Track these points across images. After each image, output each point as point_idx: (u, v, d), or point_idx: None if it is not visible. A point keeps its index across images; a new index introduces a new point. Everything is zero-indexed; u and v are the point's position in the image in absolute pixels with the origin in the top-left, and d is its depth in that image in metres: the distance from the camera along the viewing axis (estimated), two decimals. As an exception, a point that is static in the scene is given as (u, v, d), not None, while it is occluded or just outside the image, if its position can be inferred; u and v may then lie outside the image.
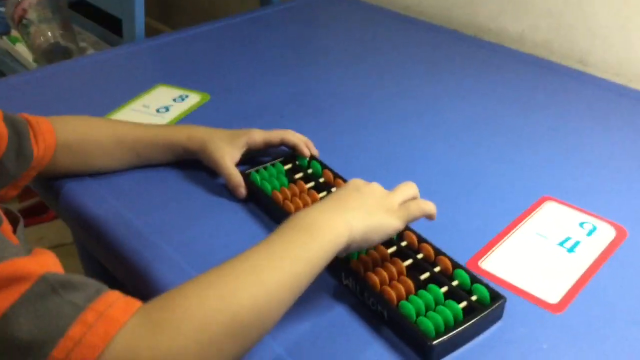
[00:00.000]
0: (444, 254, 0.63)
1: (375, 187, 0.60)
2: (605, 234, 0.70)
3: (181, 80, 1.06)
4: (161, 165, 0.81)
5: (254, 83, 1.06)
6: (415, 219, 0.60)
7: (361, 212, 0.56)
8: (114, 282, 0.73)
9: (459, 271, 0.61)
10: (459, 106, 0.98)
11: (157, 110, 0.95)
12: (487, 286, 0.59)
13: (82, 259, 1.18)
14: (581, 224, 0.71)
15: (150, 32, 1.31)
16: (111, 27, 1.64)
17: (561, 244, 0.68)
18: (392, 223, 0.57)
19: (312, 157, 0.79)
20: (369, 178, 0.65)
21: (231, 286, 0.49)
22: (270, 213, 0.73)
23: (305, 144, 0.79)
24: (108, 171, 0.79)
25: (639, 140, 0.88)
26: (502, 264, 0.66)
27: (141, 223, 0.72)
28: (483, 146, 0.87)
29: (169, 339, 0.44)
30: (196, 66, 1.12)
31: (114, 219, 0.73)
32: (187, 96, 0.99)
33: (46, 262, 0.46)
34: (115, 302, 0.45)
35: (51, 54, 1.38)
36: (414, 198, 0.61)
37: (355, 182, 0.61)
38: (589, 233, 0.70)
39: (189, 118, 0.94)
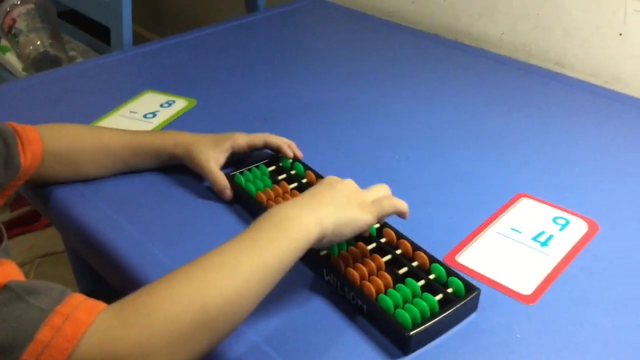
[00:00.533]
0: (422, 249, 0.65)
1: (349, 183, 0.63)
2: (578, 228, 0.72)
3: (169, 86, 1.08)
4: (148, 170, 0.83)
5: (240, 88, 1.08)
6: (387, 215, 0.62)
7: (332, 206, 0.58)
8: (107, 289, 0.75)
9: (436, 265, 0.63)
10: (440, 108, 1.00)
11: (145, 116, 0.97)
12: (462, 279, 0.61)
13: (74, 266, 1.20)
14: (555, 219, 0.74)
15: (139, 40, 1.33)
16: (100, 35, 1.66)
17: (535, 238, 0.71)
18: (363, 217, 0.59)
19: (295, 159, 0.81)
20: (351, 178, 0.67)
21: (200, 279, 0.50)
22: (255, 214, 0.74)
23: (289, 146, 0.82)
24: (96, 178, 0.81)
25: (612, 139, 0.91)
26: (478, 258, 0.68)
27: (131, 227, 0.74)
28: (462, 146, 0.90)
29: (138, 332, 0.46)
30: (183, 72, 1.14)
31: (105, 223, 0.75)
32: (173, 102, 1.02)
33: (8, 272, 0.47)
34: (80, 304, 0.47)
35: (40, 63, 1.40)
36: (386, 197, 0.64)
37: (330, 179, 0.63)
38: (562, 228, 0.72)
39: (176, 123, 0.96)
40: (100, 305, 0.47)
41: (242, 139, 0.80)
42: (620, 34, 1.01)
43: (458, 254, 0.68)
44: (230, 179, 0.77)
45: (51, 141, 0.77)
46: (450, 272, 0.62)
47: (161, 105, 1.00)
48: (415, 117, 0.98)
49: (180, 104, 1.01)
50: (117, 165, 0.81)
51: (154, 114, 0.98)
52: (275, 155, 0.82)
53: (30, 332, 0.43)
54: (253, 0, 1.47)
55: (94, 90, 1.09)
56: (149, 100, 1.03)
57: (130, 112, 0.99)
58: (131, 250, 0.71)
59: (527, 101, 1.02)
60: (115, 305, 0.48)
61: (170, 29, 2.16)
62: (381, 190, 0.64)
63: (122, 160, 0.81)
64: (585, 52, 1.07)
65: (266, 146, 0.82)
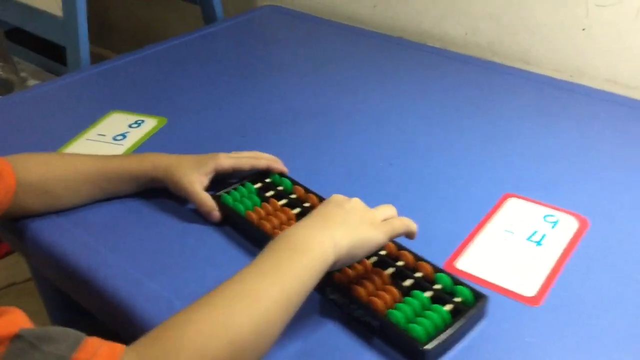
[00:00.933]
0: (424, 260, 0.64)
1: (357, 203, 0.61)
2: (569, 225, 0.73)
3: (135, 105, 1.04)
4: (126, 196, 0.79)
5: (210, 103, 1.05)
6: (398, 235, 0.62)
7: (345, 227, 0.57)
8: (83, 317, 0.71)
9: (440, 275, 0.62)
10: (413, 113, 1.00)
11: (114, 138, 0.93)
12: (469, 287, 0.61)
13: (44, 296, 1.14)
14: (545, 217, 0.74)
15: (91, 57, 1.28)
16: (49, 54, 1.59)
17: (529, 238, 0.71)
18: (375, 237, 0.58)
19: (281, 174, 0.79)
20: (337, 190, 0.66)
21: (226, 310, 0.49)
22: (246, 234, 0.72)
23: (274, 162, 0.80)
24: (73, 207, 0.77)
25: (587, 133, 0.92)
26: (476, 263, 0.68)
27: (115, 255, 0.71)
28: (442, 150, 0.90)
29: None
30: (148, 90, 1.10)
31: (87, 254, 0.71)
32: (142, 121, 0.98)
33: (16, 320, 0.44)
34: (99, 349, 0.44)
35: (-9, 87, 1.33)
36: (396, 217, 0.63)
37: (336, 198, 0.62)
38: (553, 226, 0.73)
39: (148, 144, 0.92)
40: (119, 347, 0.44)
41: (227, 162, 0.77)
42: (584, 29, 1.03)
43: (456, 260, 0.68)
44: (217, 199, 0.75)
45: (23, 172, 0.73)
46: (456, 281, 0.61)
47: (130, 126, 0.97)
48: (391, 122, 0.97)
49: (150, 123, 0.97)
50: (93, 193, 0.77)
51: (123, 136, 0.94)
52: (260, 172, 0.80)
53: None
54: (210, 10, 1.43)
55: (55, 114, 1.04)
56: (116, 121, 0.99)
57: (98, 135, 0.94)
58: (119, 280, 0.67)
59: (498, 100, 1.02)
60: (138, 346, 0.45)
61: (122, 44, 2.09)
62: (388, 210, 0.63)
63: (98, 186, 0.77)
64: (549, 48, 1.09)
65: (253, 170, 0.79)
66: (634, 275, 0.66)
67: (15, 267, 1.69)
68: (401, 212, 0.70)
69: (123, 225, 0.76)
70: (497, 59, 1.16)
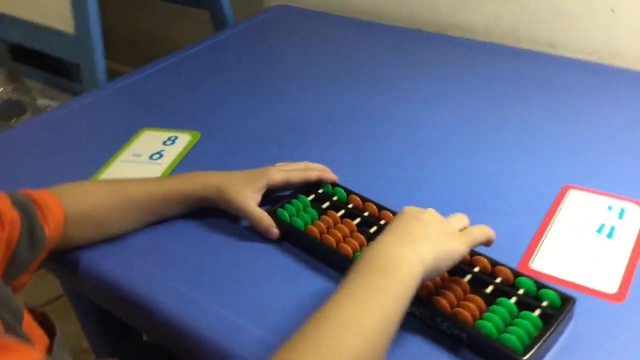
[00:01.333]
0: (501, 264, 0.62)
1: (433, 214, 0.59)
2: (635, 214, 0.71)
3: (164, 120, 1.01)
4: (174, 218, 0.77)
5: (240, 113, 1.02)
6: (478, 244, 0.60)
7: (428, 241, 0.55)
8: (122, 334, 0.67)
9: (522, 279, 0.60)
10: (447, 108, 0.97)
11: (150, 157, 0.91)
12: (554, 290, 0.58)
13: (80, 315, 1.11)
14: (609, 208, 0.72)
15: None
16: (52, 69, 1.55)
17: (599, 231, 0.69)
18: (457, 248, 0.57)
19: (334, 184, 0.77)
20: (387, 194, 0.67)
21: (329, 343, 0.47)
22: (308, 249, 0.70)
23: (324, 172, 0.78)
24: (123, 234, 0.75)
25: (631, 115, 0.90)
26: (550, 262, 0.66)
27: (176, 281, 0.68)
28: (488, 145, 0.87)
29: None
30: (175, 104, 1.07)
31: (142, 279, 0.69)
32: (176, 137, 0.95)
33: None
34: None
35: (5, 111, 1.30)
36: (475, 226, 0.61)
37: (411, 210, 0.59)
38: (620, 216, 0.71)
39: (187, 161, 0.90)
40: None
41: (278, 177, 0.75)
42: (613, 10, 1.01)
43: (531, 261, 0.66)
44: (272, 215, 0.72)
45: (72, 204, 0.70)
46: (539, 284, 0.59)
47: (164, 143, 0.94)
48: (427, 120, 0.95)
49: (184, 138, 0.95)
50: (144, 218, 0.75)
51: (160, 154, 0.91)
52: (312, 183, 0.78)
53: None
54: (220, 15, 1.40)
55: (83, 137, 1.01)
56: (149, 139, 0.96)
57: (133, 155, 0.92)
58: (182, 306, 0.65)
59: (532, 89, 1.00)
60: None
61: (127, 55, 2.04)
62: (463, 219, 0.61)
63: (148, 211, 0.74)
64: (577, 30, 1.07)
65: (305, 182, 0.77)
66: None
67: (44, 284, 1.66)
68: (459, 209, 0.68)
69: (176, 248, 0.73)
70: (522, 46, 1.13)
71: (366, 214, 0.71)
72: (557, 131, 0.89)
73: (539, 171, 0.81)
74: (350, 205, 0.73)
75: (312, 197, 0.76)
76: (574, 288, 0.62)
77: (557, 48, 1.10)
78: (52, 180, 0.73)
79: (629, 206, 0.72)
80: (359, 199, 0.73)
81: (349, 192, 0.75)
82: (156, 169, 0.87)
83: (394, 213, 0.70)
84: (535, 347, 0.53)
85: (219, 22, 1.42)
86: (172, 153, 0.91)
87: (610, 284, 0.62)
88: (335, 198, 0.75)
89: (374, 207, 0.72)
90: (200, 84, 1.14)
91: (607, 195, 0.74)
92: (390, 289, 0.51)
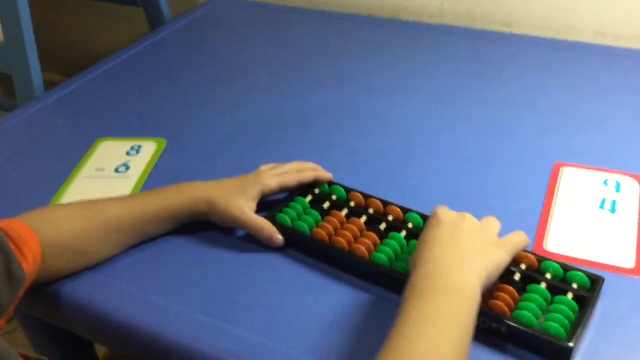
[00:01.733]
0: (525, 250, 0.60)
1: (471, 220, 0.57)
2: (631, 186, 0.72)
3: (120, 129, 0.93)
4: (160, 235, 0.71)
5: (203, 113, 0.96)
6: (519, 251, 0.58)
7: (478, 255, 0.53)
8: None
9: (547, 263, 0.59)
10: (415, 94, 0.95)
11: (116, 170, 0.83)
12: (582, 271, 0.58)
13: (31, 334, 1.01)
14: (605, 182, 0.73)
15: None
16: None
17: (601, 207, 0.69)
18: (504, 258, 0.55)
19: (330, 182, 0.73)
20: (380, 185, 0.68)
21: None
22: (317, 254, 0.66)
23: (316, 169, 0.74)
24: (107, 259, 0.68)
25: (596, 86, 0.92)
26: (562, 242, 0.65)
27: (177, 304, 0.62)
28: (464, 128, 0.86)
29: None
30: (127, 109, 0.99)
31: (140, 306, 0.63)
32: (139, 146, 0.88)
33: None
34: None
35: None
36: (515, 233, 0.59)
37: (448, 216, 0.57)
38: (617, 189, 0.71)
39: (159, 170, 0.83)
40: None
41: (272, 182, 0.70)
42: (567, -15, 1.02)
43: (544, 244, 0.65)
44: (272, 221, 0.68)
45: (48, 233, 0.62)
46: (565, 267, 0.58)
47: (127, 154, 0.86)
48: (397, 108, 0.92)
49: (149, 147, 0.88)
50: (130, 240, 0.68)
51: (125, 166, 0.84)
52: (308, 184, 0.73)
53: None
54: (157, 12, 1.31)
55: (29, 155, 0.90)
56: (108, 151, 0.88)
57: (96, 169, 0.84)
58: (191, 331, 0.59)
59: (492, 68, 0.99)
60: None
61: (63, 63, 1.88)
62: (498, 224, 0.59)
63: (135, 233, 0.68)
64: (532, 7, 1.08)
65: (300, 184, 0.73)
66: None
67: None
68: (461, 202, 0.69)
69: (169, 268, 0.67)
70: (478, 25, 1.13)
71: (371, 210, 0.68)
72: (528, 109, 0.88)
73: (529, 151, 0.80)
74: (352, 204, 0.70)
75: (309, 198, 0.72)
76: (591, 266, 0.62)
77: (512, 26, 1.11)
78: (7, 210, 0.65)
79: (623, 179, 0.73)
80: (360, 196, 0.70)
81: (347, 190, 0.72)
82: (126, 183, 0.80)
83: (402, 208, 0.67)
84: (577, 332, 0.52)
85: (155, 20, 1.33)
86: (140, 163, 0.84)
87: (626, 259, 0.62)
88: (334, 197, 0.71)
89: (379, 203, 0.69)
90: (149, 87, 1.06)
91: (599, 169, 0.75)
92: (462, 315, 0.49)
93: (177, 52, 1.18)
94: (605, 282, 0.60)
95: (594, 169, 0.75)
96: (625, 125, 0.83)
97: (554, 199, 0.71)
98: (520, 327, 0.54)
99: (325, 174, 0.73)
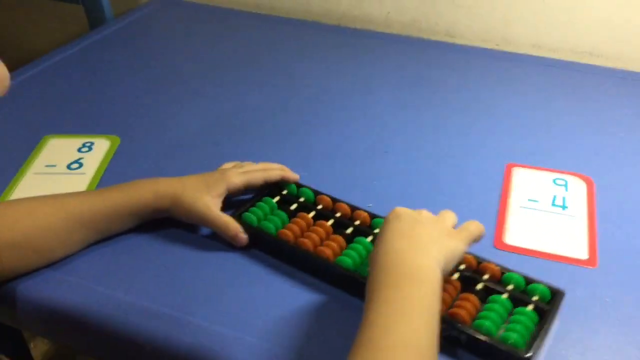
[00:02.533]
0: (486, 260, 0.61)
1: (427, 214, 0.58)
2: (578, 185, 0.75)
3: (69, 126, 0.89)
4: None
5: (155, 112, 0.93)
6: (475, 241, 0.59)
7: (435, 244, 0.54)
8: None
9: (510, 275, 0.59)
10: (367, 98, 0.96)
11: (68, 167, 0.79)
12: (543, 283, 0.58)
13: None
14: (554, 181, 0.76)
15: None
16: None
17: (553, 203, 0.73)
18: (458, 246, 0.56)
19: (298, 184, 0.72)
20: (342, 186, 0.69)
21: None
22: (282, 255, 0.65)
23: (285, 171, 0.73)
24: (67, 257, 0.64)
25: (542, 96, 0.95)
26: (521, 236, 0.67)
27: (143, 299, 0.60)
28: (424, 132, 0.87)
29: None
30: (74, 107, 0.94)
31: (106, 304, 0.60)
32: (92, 143, 0.84)
33: None
34: None
35: None
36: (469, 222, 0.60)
37: (406, 212, 0.56)
38: (566, 188, 0.75)
39: (114, 168, 0.79)
40: None
41: (238, 180, 0.68)
42: (507, -2, 1.07)
43: (504, 238, 0.67)
44: (238, 220, 0.66)
45: (3, 229, 0.59)
46: (527, 279, 0.59)
47: (79, 150, 0.82)
48: (350, 111, 0.92)
49: (102, 144, 0.84)
50: (89, 237, 0.65)
51: (79, 163, 0.80)
52: (273, 184, 0.72)
53: None
54: (98, 11, 1.26)
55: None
56: (58, 148, 0.83)
57: (46, 166, 0.79)
58: (159, 325, 0.58)
59: (438, 76, 1.02)
60: None
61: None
62: (453, 216, 0.60)
63: (94, 229, 0.64)
64: (473, 20, 1.12)
65: (266, 183, 0.72)
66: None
67: None
68: (417, 199, 0.71)
69: (132, 264, 0.64)
70: (423, 35, 1.17)
71: (338, 214, 0.67)
72: (475, 115, 0.91)
73: (478, 154, 0.82)
74: (319, 207, 0.69)
75: (277, 199, 0.70)
76: (550, 258, 0.64)
77: (455, 37, 1.15)
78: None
79: (570, 178, 0.76)
80: (328, 199, 0.69)
81: (316, 193, 0.71)
82: (81, 180, 0.76)
83: (370, 213, 0.67)
84: (535, 343, 0.53)
85: (96, 19, 1.28)
86: (93, 161, 0.80)
87: (580, 251, 0.65)
88: (302, 200, 0.70)
89: (347, 207, 0.68)
90: (95, 85, 1.02)
91: (547, 170, 0.78)
92: (426, 300, 0.49)
93: (121, 51, 1.14)
94: (562, 273, 0.63)
95: (542, 169, 0.78)
96: (565, 130, 0.87)
97: (509, 196, 0.74)
98: (479, 337, 0.54)
99: (292, 175, 0.73)
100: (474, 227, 0.59)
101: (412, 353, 0.45)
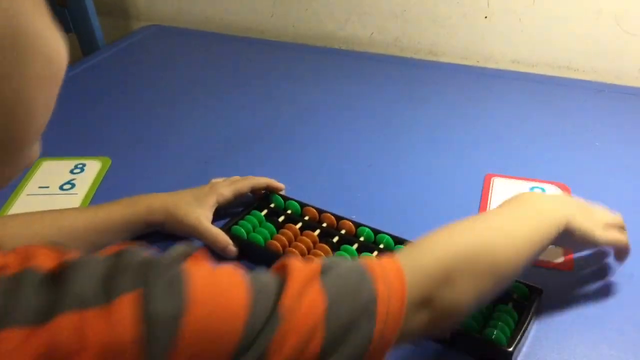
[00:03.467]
0: None
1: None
2: (555, 192, 0.78)
3: (61, 149, 0.90)
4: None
5: (146, 134, 0.95)
6: (613, 244, 0.61)
7: (580, 213, 0.58)
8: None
9: None
10: (353, 115, 0.98)
11: (61, 187, 0.81)
12: (522, 282, 0.60)
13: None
14: (531, 189, 0.78)
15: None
16: None
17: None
18: (595, 231, 0.58)
19: (285, 197, 0.74)
20: (329, 200, 0.68)
21: (483, 239, 0.50)
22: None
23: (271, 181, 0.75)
24: (59, 271, 0.65)
25: (522, 109, 0.98)
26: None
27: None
28: (408, 146, 0.89)
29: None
30: (69, 130, 0.96)
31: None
32: (84, 165, 0.85)
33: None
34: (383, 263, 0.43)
35: None
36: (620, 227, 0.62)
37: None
38: (543, 196, 0.77)
39: (105, 188, 0.81)
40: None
41: (227, 191, 0.70)
42: (486, 17, 1.10)
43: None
44: (228, 233, 0.68)
45: (6, 239, 0.60)
46: None
47: (71, 172, 0.84)
48: (339, 128, 0.94)
49: (94, 165, 0.85)
50: (83, 250, 0.66)
51: (71, 184, 0.81)
52: (261, 196, 0.74)
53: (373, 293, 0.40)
54: (90, 38, 1.29)
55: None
56: (51, 169, 0.85)
57: (40, 187, 0.81)
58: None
59: (423, 92, 1.04)
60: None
61: None
62: (611, 216, 0.62)
63: (89, 242, 0.65)
64: (454, 39, 1.15)
65: (253, 191, 0.73)
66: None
67: None
68: (402, 209, 0.73)
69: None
70: (405, 54, 1.20)
71: (324, 225, 0.69)
72: (457, 128, 0.93)
73: (459, 164, 0.84)
74: (306, 218, 0.70)
75: (265, 212, 0.72)
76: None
77: (437, 55, 1.17)
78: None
79: (547, 186, 0.78)
80: (315, 210, 0.71)
81: (302, 205, 0.72)
82: (72, 200, 0.78)
83: (354, 222, 0.68)
84: (518, 338, 0.54)
85: (89, 46, 1.31)
86: (85, 182, 0.82)
87: (557, 257, 0.67)
88: (289, 212, 0.72)
89: (332, 217, 0.69)
90: (89, 108, 1.04)
91: (525, 179, 0.80)
92: (539, 222, 0.54)
93: (113, 76, 1.17)
94: (542, 276, 0.64)
95: (520, 178, 0.80)
96: (543, 140, 0.89)
97: (488, 204, 0.76)
98: (463, 333, 0.55)
99: (277, 184, 0.75)
100: (622, 236, 0.61)
101: (503, 238, 0.50)
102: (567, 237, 0.56)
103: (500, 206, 0.57)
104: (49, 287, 0.31)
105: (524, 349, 0.56)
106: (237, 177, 0.74)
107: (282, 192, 0.75)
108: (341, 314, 0.37)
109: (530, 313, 0.58)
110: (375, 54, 1.19)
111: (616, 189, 0.78)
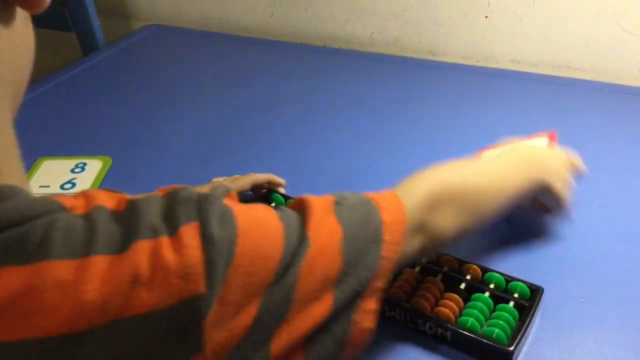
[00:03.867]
0: (468, 262, 0.62)
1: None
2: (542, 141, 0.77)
3: (62, 148, 0.90)
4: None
5: (146, 132, 0.95)
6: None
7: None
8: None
9: (491, 274, 0.61)
10: (355, 115, 0.98)
11: (61, 187, 0.81)
12: (523, 282, 0.60)
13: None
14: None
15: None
16: None
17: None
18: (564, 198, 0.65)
19: (285, 196, 0.74)
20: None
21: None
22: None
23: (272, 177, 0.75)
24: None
25: (522, 109, 0.97)
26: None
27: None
28: (405, 145, 0.89)
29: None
30: (70, 129, 0.96)
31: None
32: (85, 164, 0.85)
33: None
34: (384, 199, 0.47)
35: None
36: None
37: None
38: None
39: (107, 186, 0.79)
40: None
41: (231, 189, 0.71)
42: (487, 17, 1.10)
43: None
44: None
45: None
46: (507, 278, 0.60)
47: (72, 171, 0.84)
48: (339, 126, 0.94)
49: (95, 164, 0.85)
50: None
51: (72, 183, 0.81)
52: (262, 196, 0.74)
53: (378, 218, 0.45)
54: (90, 38, 1.29)
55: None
56: (52, 169, 0.85)
57: (40, 187, 0.81)
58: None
59: (422, 91, 1.05)
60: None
61: None
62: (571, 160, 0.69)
63: None
64: (454, 38, 1.15)
65: (253, 187, 0.73)
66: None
67: None
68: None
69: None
70: (405, 54, 1.19)
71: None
72: (456, 128, 0.93)
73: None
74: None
75: (268, 211, 0.72)
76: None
77: (437, 55, 1.17)
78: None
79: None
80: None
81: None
82: (73, 200, 0.78)
83: None
84: (518, 338, 0.54)
85: (89, 46, 1.31)
86: (86, 181, 0.81)
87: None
88: (291, 210, 0.72)
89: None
90: (90, 108, 1.04)
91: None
92: (524, 176, 0.60)
93: (114, 76, 1.17)
94: (542, 274, 0.64)
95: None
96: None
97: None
98: (464, 332, 0.55)
99: (279, 179, 0.75)
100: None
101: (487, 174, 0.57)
102: (543, 194, 0.64)
103: (498, 154, 0.66)
104: (120, 221, 0.35)
105: (525, 348, 0.56)
106: (237, 176, 0.74)
107: (283, 191, 0.75)
108: (354, 241, 0.42)
109: (532, 312, 0.57)
110: (375, 53, 1.19)
111: (616, 189, 0.77)
